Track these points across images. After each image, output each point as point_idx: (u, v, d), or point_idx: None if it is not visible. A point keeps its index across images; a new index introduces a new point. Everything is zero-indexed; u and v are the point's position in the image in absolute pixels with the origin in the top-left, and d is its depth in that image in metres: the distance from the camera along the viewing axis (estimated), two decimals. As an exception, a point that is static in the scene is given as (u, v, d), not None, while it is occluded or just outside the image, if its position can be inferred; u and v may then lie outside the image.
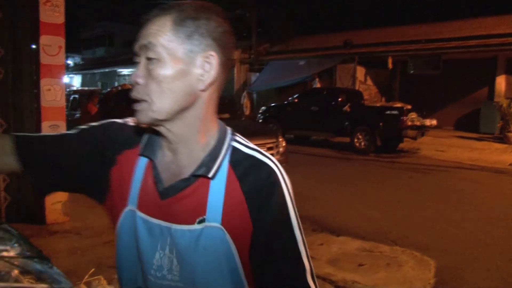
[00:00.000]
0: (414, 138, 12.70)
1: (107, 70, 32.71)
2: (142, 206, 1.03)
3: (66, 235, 4.92)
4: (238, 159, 1.01)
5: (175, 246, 0.99)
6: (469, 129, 16.81)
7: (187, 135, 1.00)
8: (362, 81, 18.93)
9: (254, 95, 20.44)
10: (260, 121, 15.18)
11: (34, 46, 5.03)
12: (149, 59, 0.95)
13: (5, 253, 1.08)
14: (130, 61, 31.10)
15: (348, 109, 13.12)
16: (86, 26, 49.19)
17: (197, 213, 0.98)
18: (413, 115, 12.40)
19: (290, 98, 15.22)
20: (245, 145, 1.04)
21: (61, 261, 4.19)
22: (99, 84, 33.64)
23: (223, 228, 0.97)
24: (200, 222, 0.97)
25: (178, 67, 0.94)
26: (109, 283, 3.47)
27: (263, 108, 16.14)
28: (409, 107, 12.69)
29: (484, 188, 8.39)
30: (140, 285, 1.06)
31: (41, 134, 1.16)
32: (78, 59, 45.04)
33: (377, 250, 4.99)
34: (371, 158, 11.89)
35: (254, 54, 21.26)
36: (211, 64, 0.96)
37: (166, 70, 0.94)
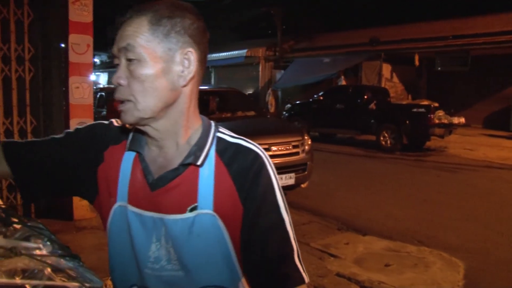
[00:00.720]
0: (442, 137, 12.47)
1: (132, 68, 33.12)
2: (133, 200, 1.05)
3: (93, 231, 4.99)
4: (224, 147, 1.05)
5: (170, 236, 1.01)
6: (499, 127, 16.41)
7: (172, 130, 1.03)
8: (388, 78, 18.70)
9: (279, 93, 20.40)
10: (285, 118, 15.14)
11: (63, 45, 5.11)
12: (129, 60, 0.97)
13: (37, 251, 1.09)
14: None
15: (374, 107, 12.98)
16: (114, 24, 49.85)
17: (188, 201, 1.01)
18: (440, 112, 12.18)
19: (315, 96, 15.13)
20: (229, 135, 1.08)
21: (88, 257, 4.24)
22: (125, 81, 34.07)
23: (215, 214, 1.00)
24: (192, 209, 1.00)
25: (158, 66, 0.97)
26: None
27: (288, 105, 16.10)
28: (436, 104, 12.47)
29: (514, 188, 8.18)
30: (134, 283, 1.07)
31: (30, 140, 1.18)
32: (104, 57, 45.66)
33: (404, 250, 4.92)
34: (397, 157, 11.73)
35: (279, 51, 21.22)
36: (190, 60, 1.00)
37: (148, 70, 0.97)
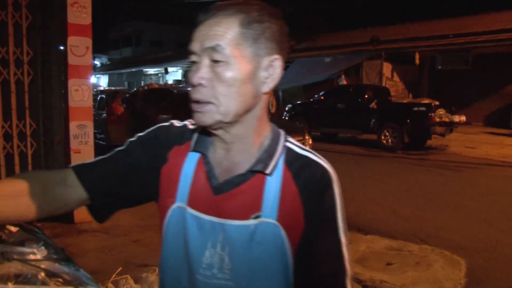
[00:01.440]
0: (443, 135, 12.46)
1: (133, 70, 33.14)
2: (193, 202, 1.03)
3: (94, 234, 4.98)
4: (292, 159, 1.02)
5: (227, 242, 0.99)
6: (499, 125, 16.40)
7: (244, 135, 1.01)
8: (389, 77, 18.68)
9: (280, 93, 20.38)
10: (286, 118, 15.13)
11: (62, 47, 5.11)
12: (215, 61, 0.94)
13: (32, 256, 1.08)
14: (156, 61, 31.33)
15: (375, 106, 12.97)
16: (114, 26, 49.92)
17: (252, 208, 0.98)
18: (441, 111, 12.17)
19: (316, 96, 15.13)
20: (298, 146, 1.05)
21: (89, 260, 4.25)
22: (126, 83, 34.13)
23: (278, 224, 0.97)
24: (256, 218, 0.97)
25: (246, 71, 0.95)
26: (136, 282, 3.50)
27: (289, 105, 16.08)
28: (437, 103, 12.45)
29: (516, 186, 8.16)
30: (185, 286, 1.04)
31: (97, 159, 1.13)
32: (105, 59, 45.77)
33: (406, 249, 4.90)
34: (399, 156, 11.71)
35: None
36: (275, 67, 0.99)
37: (236, 73, 0.94)
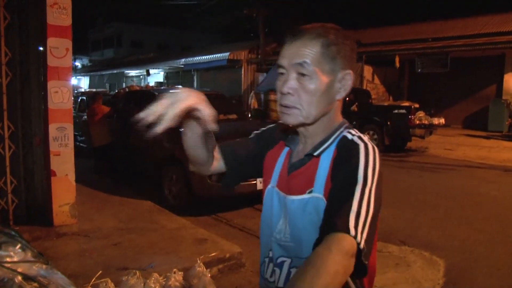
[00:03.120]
0: (422, 137, 12.62)
1: (115, 71, 32.81)
2: (279, 183, 1.36)
3: (74, 237, 4.93)
4: (343, 144, 1.25)
5: (288, 213, 1.29)
6: (477, 127, 16.67)
7: (318, 131, 1.29)
8: (370, 80, 18.84)
9: (262, 96, 20.39)
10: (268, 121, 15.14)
11: (41, 49, 5.04)
12: (301, 74, 1.20)
13: (8, 259, 1.07)
14: (138, 62, 31.01)
15: (356, 109, 13.06)
16: (95, 27, 49.39)
17: (307, 185, 1.25)
18: (421, 113, 12.32)
19: (297, 98, 15.15)
20: (352, 134, 1.27)
21: (68, 263, 4.21)
22: (107, 85, 33.76)
23: (323, 198, 1.20)
24: (309, 192, 1.24)
25: (325, 83, 1.21)
26: (116, 285, 3.48)
27: (270, 108, 16.08)
28: (417, 105, 12.61)
29: (493, 187, 8.30)
30: (270, 248, 1.36)
31: (235, 141, 1.56)
32: (86, 60, 45.26)
33: (385, 250, 4.96)
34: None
35: (262, 54, 21.21)
36: (347, 80, 1.25)
37: (317, 85, 1.21)
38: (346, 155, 1.20)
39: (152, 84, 26.02)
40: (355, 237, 1.02)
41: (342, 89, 1.26)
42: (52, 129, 4.96)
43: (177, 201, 6.59)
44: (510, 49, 14.95)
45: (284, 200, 1.30)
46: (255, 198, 6.86)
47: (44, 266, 1.11)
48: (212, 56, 22.02)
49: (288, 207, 1.28)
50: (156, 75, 29.80)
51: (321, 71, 1.20)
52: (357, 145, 1.21)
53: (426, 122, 12.34)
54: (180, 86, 19.45)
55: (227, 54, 21.10)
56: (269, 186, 1.40)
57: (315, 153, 1.27)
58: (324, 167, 1.24)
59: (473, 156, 11.85)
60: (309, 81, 1.20)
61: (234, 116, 8.06)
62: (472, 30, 15.20)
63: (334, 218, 1.07)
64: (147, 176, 7.82)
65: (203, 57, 22.56)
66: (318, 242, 1.06)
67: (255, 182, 6.21)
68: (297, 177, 1.29)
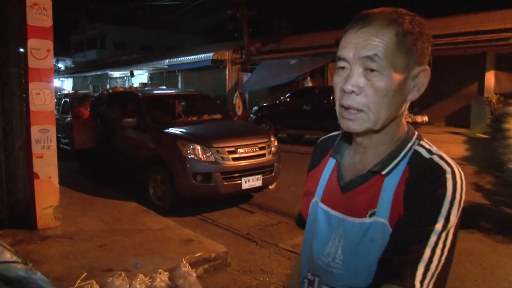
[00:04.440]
0: (406, 135, 12.73)
1: (98, 73, 32.56)
2: (325, 198, 1.17)
3: (58, 240, 4.88)
4: (417, 162, 1.03)
5: (344, 236, 1.08)
6: (460, 125, 16.85)
7: (381, 142, 1.07)
8: (355, 79, 18.93)
9: (246, 95, 20.42)
10: (253, 121, 15.16)
11: (22, 50, 4.99)
12: (370, 70, 0.98)
13: (-14, 261, 1.06)
14: (121, 64, 30.80)
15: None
16: (78, 28, 48.95)
17: (369, 207, 1.05)
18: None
19: (282, 98, 15.20)
20: (428, 150, 1.06)
21: (52, 266, 4.17)
22: (91, 87, 33.49)
23: (388, 225, 1.01)
24: (371, 215, 1.04)
25: (398, 80, 0.99)
26: (101, 287, 3.46)
27: (255, 108, 16.11)
28: (400, 104, 12.71)
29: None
30: (309, 269, 1.19)
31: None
32: (69, 62, 44.81)
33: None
34: (364, 156, 11.87)
35: (246, 54, 21.24)
36: (422, 77, 1.04)
37: (389, 83, 0.98)
38: (428, 181, 0.98)
39: (136, 85, 25.88)
40: None
41: (416, 88, 1.04)
42: (34, 131, 4.91)
43: (162, 202, 6.57)
44: (491, 47, 15.16)
45: (342, 222, 1.09)
46: (240, 198, 6.87)
47: (23, 267, 1.10)
48: (196, 56, 21.99)
49: (347, 230, 1.08)
50: (140, 76, 29.65)
51: (394, 66, 0.98)
52: (443, 170, 0.99)
53: (409, 120, 12.47)
54: (164, 87, 19.39)
55: (211, 54, 21.09)
56: (313, 200, 1.20)
57: (383, 172, 1.04)
58: (391, 188, 1.03)
59: (456, 153, 11.91)
60: (379, 77, 0.97)
61: (218, 116, 8.06)
62: (453, 29, 15.38)
63: (399, 264, 0.93)
64: (132, 178, 7.79)
65: (187, 57, 22.50)
66: (375, 286, 0.95)
67: (239, 182, 6.22)
68: (357, 196, 1.08)
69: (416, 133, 1.11)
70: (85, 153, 8.81)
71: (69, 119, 10.97)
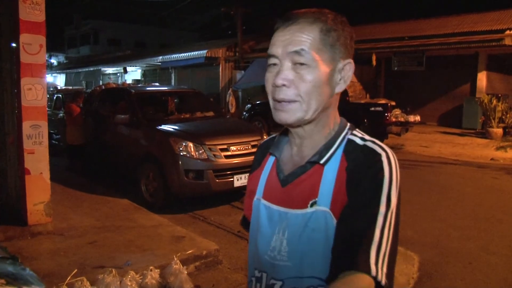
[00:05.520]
0: (398, 134, 12.79)
1: (91, 69, 32.39)
2: (266, 194, 1.20)
3: (49, 236, 4.87)
4: (351, 149, 1.11)
5: (287, 228, 1.11)
6: (452, 125, 16.97)
7: (315, 132, 1.14)
8: (347, 78, 18.98)
9: (240, 93, 20.39)
10: (246, 119, 15.15)
11: (14, 45, 4.95)
12: (299, 64, 1.05)
13: (-25, 256, 1.06)
14: (115, 60, 30.65)
15: (333, 106, 13.13)
16: (72, 24, 48.61)
17: (310, 196, 1.09)
18: (397, 111, 12.49)
19: (275, 96, 15.17)
20: (361, 137, 1.13)
21: (43, 262, 4.15)
22: (84, 83, 33.31)
23: (330, 212, 1.05)
24: (312, 205, 1.08)
25: (325, 73, 1.07)
26: (92, 284, 3.45)
27: (248, 105, 16.11)
28: (393, 103, 12.77)
29: (467, 183, 8.49)
30: (256, 267, 1.21)
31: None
32: (62, 58, 44.52)
33: (361, 246, 5.01)
34: (356, 155, 11.90)
35: (239, 51, 21.20)
36: (348, 70, 1.12)
37: (317, 75, 1.06)
38: (367, 166, 1.05)
39: (129, 81, 25.77)
40: (376, 276, 0.95)
41: (342, 80, 1.11)
42: (26, 127, 4.88)
43: (154, 199, 6.56)
44: (483, 48, 15.25)
45: (285, 215, 1.13)
46: (232, 196, 6.87)
47: (11, 263, 1.10)
48: (189, 53, 21.92)
49: (290, 222, 1.11)
50: (134, 73, 29.53)
51: (321, 60, 1.06)
52: (378, 155, 1.06)
53: (402, 119, 12.52)
54: (157, 84, 19.31)
55: (204, 51, 21.03)
56: (255, 199, 1.23)
57: (321, 161, 1.10)
58: (331, 176, 1.08)
59: (447, 152, 12.07)
60: (307, 70, 1.05)
61: (211, 114, 8.05)
62: (446, 30, 15.45)
63: (353, 251, 0.98)
64: (124, 174, 7.77)
65: (181, 54, 22.44)
66: (332, 276, 0.99)
67: (232, 179, 6.22)
68: (298, 186, 1.12)
69: (349, 124, 1.18)
70: (76, 149, 8.77)
71: (62, 115, 10.91)
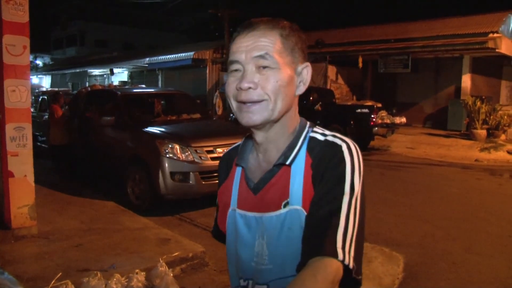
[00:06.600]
0: (384, 136, 12.88)
1: (77, 70, 32.10)
2: (240, 204, 1.21)
3: (33, 240, 4.82)
4: (314, 146, 1.15)
5: (266, 232, 1.14)
6: (437, 126, 17.13)
7: (279, 135, 1.17)
8: (334, 80, 19.08)
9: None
10: (232, 120, 15.13)
11: (-3, 46, 4.90)
12: (263, 67, 1.09)
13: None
14: (101, 61, 30.42)
15: (320, 108, 13.21)
16: (58, 25, 48.14)
17: (282, 198, 1.12)
18: (383, 113, 12.57)
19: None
20: (321, 133, 1.18)
21: (27, 266, 4.11)
22: (70, 84, 33.00)
23: (303, 209, 1.09)
24: (285, 205, 1.11)
25: (288, 74, 1.12)
26: (77, 287, 3.43)
27: (235, 107, 16.08)
28: (379, 105, 12.86)
29: (452, 184, 8.58)
30: (241, 276, 1.21)
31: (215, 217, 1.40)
32: (48, 59, 44.07)
33: (347, 247, 5.03)
34: (343, 156, 11.95)
35: (226, 53, 21.16)
36: (306, 73, 1.17)
37: (282, 76, 1.10)
38: (329, 159, 1.09)
39: (116, 83, 25.61)
40: (343, 260, 0.99)
41: (302, 83, 1.17)
42: (9, 129, 4.83)
43: (140, 201, 6.53)
44: (467, 51, 15.42)
45: (260, 220, 1.15)
46: (220, 198, 6.85)
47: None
48: (176, 55, 21.85)
49: (266, 226, 1.13)
50: (120, 75, 29.34)
51: (283, 62, 1.10)
52: (338, 146, 1.11)
53: (388, 121, 12.61)
54: (143, 86, 19.23)
55: (191, 53, 20.98)
56: (230, 210, 1.24)
57: (287, 162, 1.13)
58: (299, 175, 1.12)
59: (433, 154, 12.18)
60: (272, 71, 1.09)
61: (197, 115, 8.04)
62: (432, 32, 15.59)
63: (320, 238, 1.01)
64: (110, 177, 7.71)
65: (168, 56, 22.35)
66: (302, 264, 1.01)
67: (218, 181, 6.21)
68: (269, 190, 1.15)
69: (308, 122, 1.23)
70: (59, 150, 8.69)
71: (46, 116, 10.81)
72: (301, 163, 1.13)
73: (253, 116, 1.10)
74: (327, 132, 1.18)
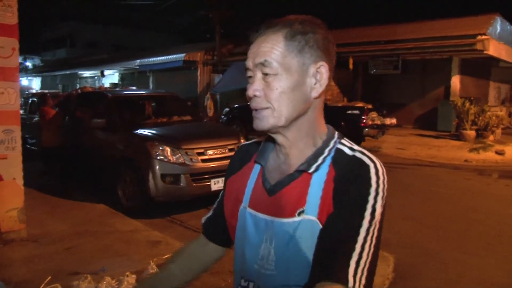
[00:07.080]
0: (375, 137, 12.94)
1: (68, 72, 31.93)
2: (252, 203, 1.18)
3: (22, 243, 4.78)
4: (340, 159, 1.10)
5: (275, 237, 1.10)
6: (427, 127, 17.25)
7: (299, 139, 1.13)
8: (325, 81, 19.11)
9: (218, 97, 20.37)
10: (224, 122, 15.13)
11: (-15, 48, 4.86)
12: (265, 74, 1.07)
13: None
14: (92, 63, 30.30)
15: (311, 109, 13.21)
16: (48, 26, 47.86)
17: (297, 205, 1.07)
18: (373, 114, 12.62)
19: (253, 99, 15.18)
20: (350, 147, 1.13)
21: (16, 270, 4.08)
22: (60, 86, 32.82)
23: (318, 221, 1.04)
24: (300, 213, 1.07)
25: (293, 79, 1.07)
26: (66, 290, 3.41)
27: (226, 109, 16.08)
28: (370, 106, 12.91)
29: (442, 184, 8.64)
30: (243, 275, 1.20)
31: (213, 210, 1.41)
32: (37, 60, 43.81)
33: (338, 248, 5.05)
34: (334, 157, 12.00)
35: (218, 55, 21.17)
36: (322, 73, 1.10)
37: (284, 83, 1.06)
38: (354, 177, 1.04)
39: (106, 85, 25.51)
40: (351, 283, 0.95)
41: (318, 84, 1.10)
42: (-2, 131, 4.79)
43: (131, 203, 6.50)
44: (456, 52, 15.54)
45: (271, 223, 1.11)
46: (210, 199, 6.85)
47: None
48: (167, 57, 21.80)
49: (276, 231, 1.10)
50: (111, 76, 29.25)
51: (288, 67, 1.06)
52: (366, 166, 1.06)
53: (378, 122, 12.66)
54: (134, 88, 19.16)
55: (182, 55, 20.95)
56: (241, 207, 1.21)
57: (310, 170, 1.09)
58: (319, 185, 1.07)
59: (423, 155, 12.26)
60: (274, 78, 1.06)
61: (188, 117, 8.03)
62: (421, 34, 15.68)
63: (332, 262, 0.97)
64: (100, 179, 7.68)
65: (159, 58, 22.30)
66: (310, 284, 0.97)
67: (209, 183, 6.21)
68: (285, 195, 1.11)
69: (337, 133, 1.17)
70: (51, 152, 8.63)
71: (37, 119, 10.73)
72: (323, 174, 1.08)
73: (260, 122, 1.10)
74: (355, 147, 1.13)
